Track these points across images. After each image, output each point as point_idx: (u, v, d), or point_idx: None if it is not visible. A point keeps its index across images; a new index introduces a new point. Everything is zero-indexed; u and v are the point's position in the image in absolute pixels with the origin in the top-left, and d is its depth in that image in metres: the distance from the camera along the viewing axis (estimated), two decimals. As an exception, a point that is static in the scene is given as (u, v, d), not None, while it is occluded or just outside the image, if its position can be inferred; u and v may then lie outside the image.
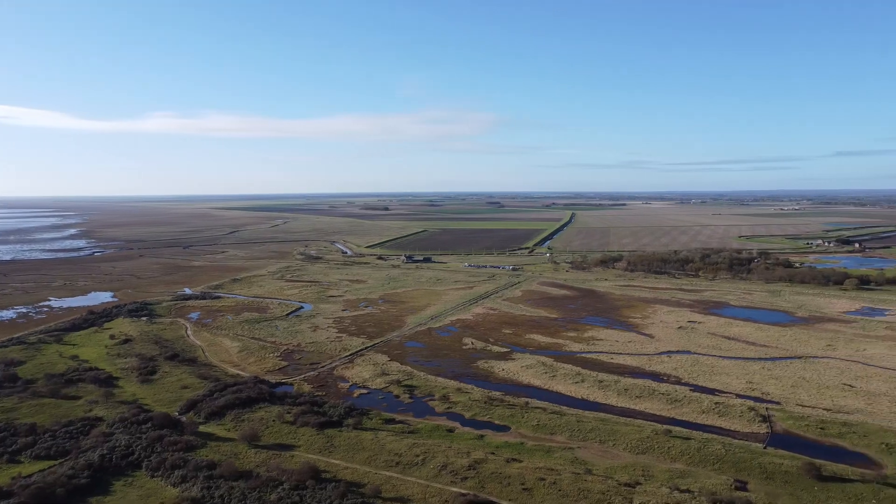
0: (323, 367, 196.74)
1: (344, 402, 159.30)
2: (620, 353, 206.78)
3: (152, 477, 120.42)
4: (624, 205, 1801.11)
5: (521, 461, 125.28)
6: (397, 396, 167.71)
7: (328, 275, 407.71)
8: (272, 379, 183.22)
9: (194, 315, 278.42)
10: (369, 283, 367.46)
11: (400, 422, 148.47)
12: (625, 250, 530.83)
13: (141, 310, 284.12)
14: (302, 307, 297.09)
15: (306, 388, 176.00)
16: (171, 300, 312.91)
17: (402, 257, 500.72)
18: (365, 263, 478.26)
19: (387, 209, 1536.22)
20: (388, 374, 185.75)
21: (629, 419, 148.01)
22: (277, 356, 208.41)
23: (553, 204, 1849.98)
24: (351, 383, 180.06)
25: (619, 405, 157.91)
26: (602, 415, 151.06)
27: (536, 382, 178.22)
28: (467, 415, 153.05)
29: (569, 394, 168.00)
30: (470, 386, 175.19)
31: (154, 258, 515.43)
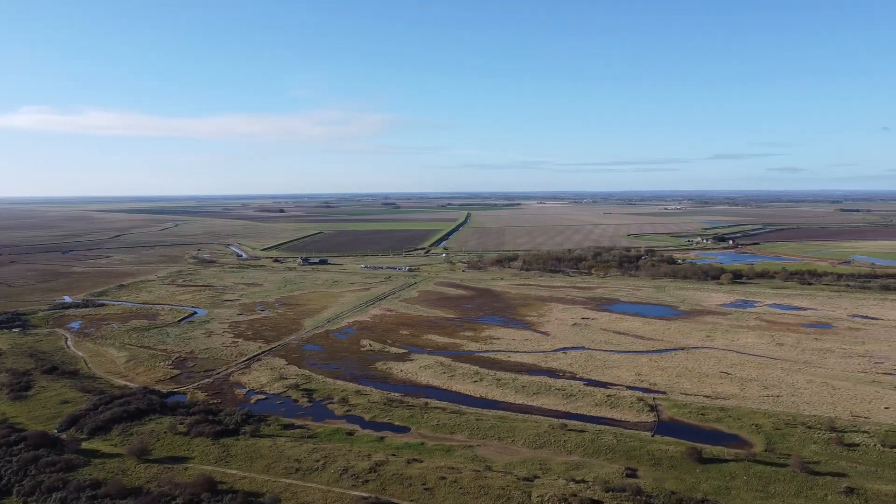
0: (218, 373, 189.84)
1: (241, 409, 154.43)
2: (517, 352, 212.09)
3: (25, 503, 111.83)
4: (519, 205, 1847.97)
5: (421, 461, 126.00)
6: (296, 401, 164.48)
7: (223, 278, 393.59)
8: (163, 389, 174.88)
9: (75, 324, 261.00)
10: (265, 287, 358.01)
11: (299, 427, 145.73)
12: (520, 250, 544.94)
13: (12, 321, 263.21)
14: (195, 312, 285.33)
15: (200, 396, 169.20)
16: (49, 309, 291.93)
17: (299, 259, 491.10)
18: (261, 266, 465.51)
19: (282, 211, 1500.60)
20: (286, 379, 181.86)
21: (527, 415, 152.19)
22: (169, 364, 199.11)
23: (449, 204, 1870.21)
24: (248, 389, 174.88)
25: (517, 402, 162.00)
26: (501, 412, 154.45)
27: (435, 382, 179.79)
28: (367, 417, 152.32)
29: (468, 393, 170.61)
30: (369, 388, 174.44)
31: (28, 264, 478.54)
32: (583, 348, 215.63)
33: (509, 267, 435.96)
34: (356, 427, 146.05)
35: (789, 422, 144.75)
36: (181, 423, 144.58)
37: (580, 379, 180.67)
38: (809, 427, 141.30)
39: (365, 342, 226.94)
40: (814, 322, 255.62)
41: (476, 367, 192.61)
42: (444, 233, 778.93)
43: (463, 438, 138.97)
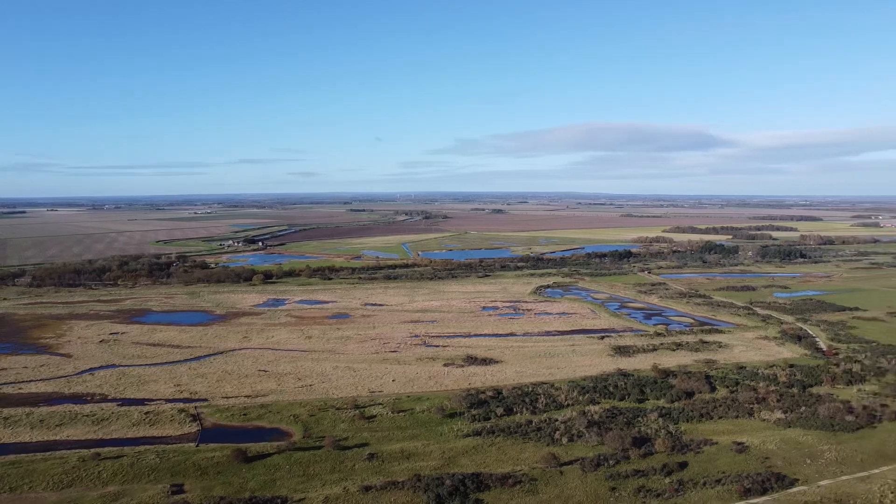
0: None
1: None
2: (32, 381, 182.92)
3: None
4: (24, 212, 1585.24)
5: None
6: None
7: None
8: None
9: None
10: None
11: None
12: (28, 264, 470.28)
13: None
14: None
15: None
16: None
17: None
18: None
19: None
20: None
21: (49, 453, 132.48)
22: None
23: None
24: None
25: (35, 440, 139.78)
26: (13, 457, 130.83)
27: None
28: None
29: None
30: None
31: None
32: (114, 366, 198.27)
33: (14, 284, 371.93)
34: None
35: (322, 407, 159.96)
36: None
37: (113, 400, 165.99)
38: (338, 409, 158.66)
39: None
40: (335, 313, 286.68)
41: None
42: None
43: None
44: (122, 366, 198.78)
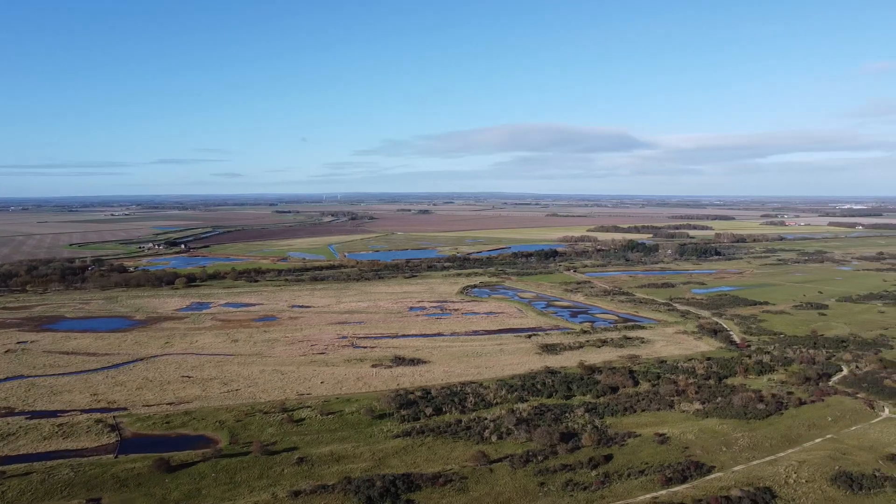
0: None
1: None
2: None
3: None
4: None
5: None
6: None
7: None
8: None
9: None
10: None
11: None
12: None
13: None
14: None
15: None
16: None
17: None
18: None
19: None
20: None
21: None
22: None
23: None
24: None
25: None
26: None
27: None
28: None
29: None
30: None
31: None
32: (22, 377, 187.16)
33: None
34: None
35: (248, 411, 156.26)
36: None
37: (21, 413, 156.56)
38: (266, 413, 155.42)
39: None
40: (262, 316, 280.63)
41: None
42: None
43: None
44: (31, 376, 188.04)
